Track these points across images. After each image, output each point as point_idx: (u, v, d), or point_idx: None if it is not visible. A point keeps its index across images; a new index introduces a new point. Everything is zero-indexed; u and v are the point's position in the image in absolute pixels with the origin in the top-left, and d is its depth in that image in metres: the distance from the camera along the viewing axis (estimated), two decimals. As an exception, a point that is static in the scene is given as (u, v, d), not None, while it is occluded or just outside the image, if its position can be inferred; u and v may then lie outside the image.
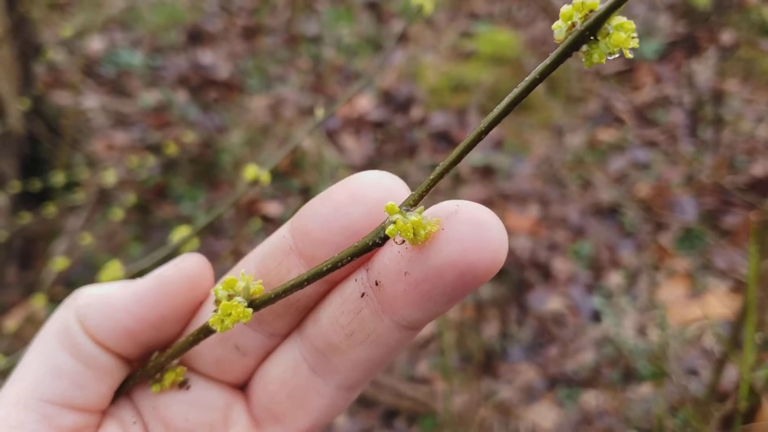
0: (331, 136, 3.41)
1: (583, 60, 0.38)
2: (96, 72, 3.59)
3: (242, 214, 2.92)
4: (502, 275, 2.74)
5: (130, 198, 1.71)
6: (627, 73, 3.46)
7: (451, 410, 2.31)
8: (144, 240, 2.79)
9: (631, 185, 2.97)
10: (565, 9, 0.37)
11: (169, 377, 0.52)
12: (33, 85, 2.45)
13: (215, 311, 0.46)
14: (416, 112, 3.50)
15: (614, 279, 2.67)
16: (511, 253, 2.80)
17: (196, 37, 3.95)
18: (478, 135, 0.40)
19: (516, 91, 0.38)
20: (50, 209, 1.35)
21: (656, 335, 2.45)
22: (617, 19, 0.36)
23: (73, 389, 0.49)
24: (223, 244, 2.83)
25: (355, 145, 3.37)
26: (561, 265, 2.75)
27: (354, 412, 2.45)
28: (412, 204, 0.43)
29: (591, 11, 0.36)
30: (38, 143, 2.61)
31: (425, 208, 0.44)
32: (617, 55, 0.37)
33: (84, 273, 2.54)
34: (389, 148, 3.37)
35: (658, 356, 2.36)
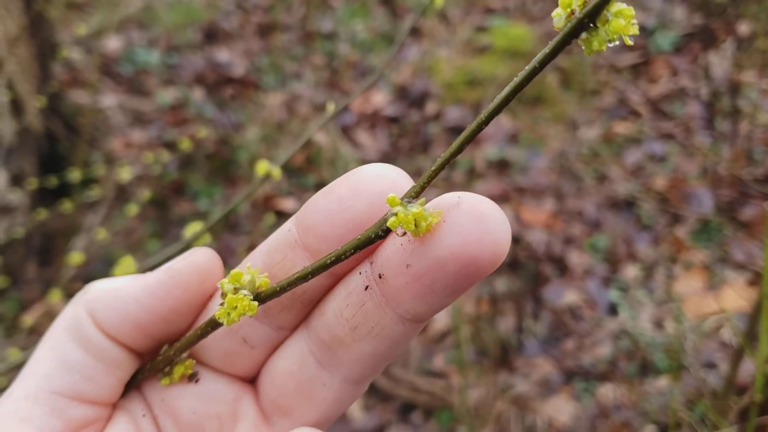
0: (347, 131, 3.41)
1: (583, 48, 0.37)
2: (114, 71, 3.62)
3: (259, 210, 2.93)
4: (517, 269, 2.73)
5: (145, 194, 1.73)
6: (643, 65, 3.43)
7: (467, 404, 2.32)
8: (162, 236, 2.81)
9: (648, 178, 2.95)
10: None
11: (178, 370, 0.53)
12: (51, 84, 2.48)
13: (222, 304, 0.46)
14: (431, 107, 3.49)
15: (631, 272, 2.66)
16: (527, 246, 2.80)
17: (212, 36, 3.97)
18: (479, 125, 0.40)
19: (516, 80, 0.38)
20: (67, 205, 1.36)
21: (673, 328, 2.44)
22: (617, 6, 0.35)
23: (84, 382, 0.50)
24: (240, 240, 2.85)
25: (370, 141, 3.37)
26: (577, 259, 2.74)
27: (371, 406, 2.46)
28: (413, 196, 0.43)
29: None
30: (57, 141, 2.64)
31: (427, 201, 0.44)
32: (617, 42, 0.36)
33: (102, 269, 2.57)
34: (404, 143, 3.37)
35: (676, 349, 2.35)
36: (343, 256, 0.45)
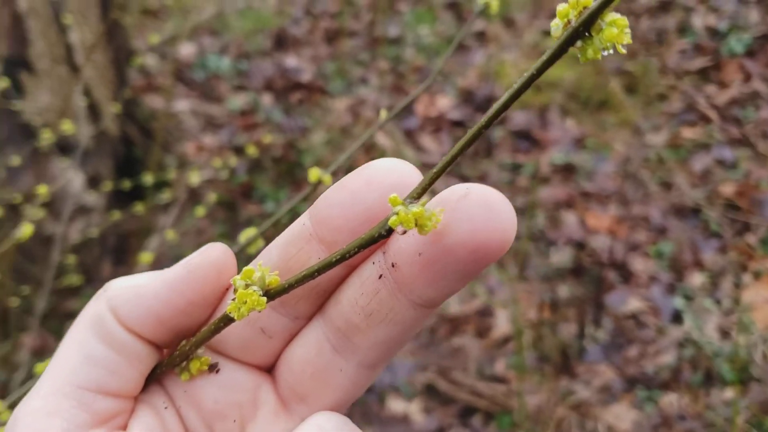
0: (410, 135, 3.45)
1: (579, 56, 0.39)
2: (187, 76, 3.75)
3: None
4: (580, 274, 2.71)
5: (211, 197, 1.81)
6: (713, 69, 3.35)
7: (526, 409, 2.32)
8: (230, 237, 2.90)
9: (716, 184, 2.88)
10: (561, 7, 0.38)
11: (194, 365, 0.54)
12: (127, 89, 2.59)
13: (233, 300, 0.48)
14: (496, 111, 3.48)
15: (697, 280, 2.60)
16: (591, 252, 2.77)
17: (282, 42, 4.07)
18: (479, 129, 0.43)
19: (515, 86, 0.41)
20: (139, 208, 1.44)
21: (741, 338, 2.38)
22: (611, 16, 0.37)
23: (108, 376, 0.51)
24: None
25: (433, 145, 3.40)
26: (641, 265, 2.70)
27: (431, 408, 2.49)
28: (416, 197, 0.45)
29: (585, 8, 0.38)
30: (132, 145, 2.75)
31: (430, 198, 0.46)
32: (611, 51, 0.38)
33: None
34: (468, 147, 3.37)
35: (743, 360, 2.29)
36: (347, 255, 0.47)
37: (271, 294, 0.49)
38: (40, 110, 2.35)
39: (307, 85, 3.74)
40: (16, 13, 2.33)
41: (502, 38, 3.80)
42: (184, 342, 0.54)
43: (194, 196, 2.96)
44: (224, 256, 0.53)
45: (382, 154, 3.20)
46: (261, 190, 3.09)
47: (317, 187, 0.88)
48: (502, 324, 2.63)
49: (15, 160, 1.32)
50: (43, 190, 0.95)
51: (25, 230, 0.80)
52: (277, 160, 3.22)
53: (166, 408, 0.55)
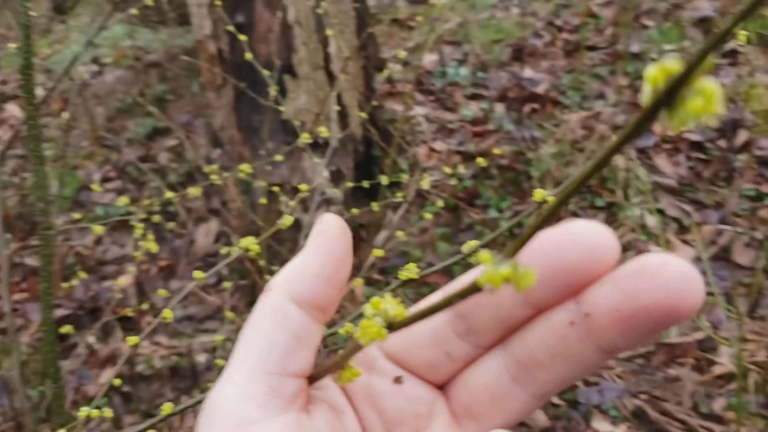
0: (644, 153, 3.35)
1: (668, 125, 0.35)
2: (426, 84, 3.94)
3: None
4: (821, 320, 2.49)
5: (439, 202, 1.93)
6: None
7: (741, 453, 2.19)
8: (450, 240, 3.02)
9: None
10: (649, 72, 0.34)
11: (346, 375, 0.59)
12: (374, 97, 2.79)
13: (359, 328, 0.51)
14: (741, 136, 3.29)
15: None
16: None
17: (520, 53, 4.13)
18: (561, 201, 0.40)
19: (594, 159, 0.38)
20: (373, 205, 1.57)
21: None
22: (701, 83, 0.33)
23: (288, 358, 0.56)
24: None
25: (669, 166, 3.27)
26: None
27: (638, 436, 2.43)
28: (508, 256, 0.45)
29: (670, 75, 0.34)
30: (371, 145, 2.96)
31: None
32: (703, 122, 0.33)
33: (398, 263, 2.84)
34: (706, 172, 3.22)
35: None
36: (451, 302, 0.49)
37: (393, 327, 0.52)
38: (298, 111, 2.62)
39: (541, 97, 3.77)
40: (285, 23, 2.62)
41: (757, 59, 3.56)
42: (339, 352, 0.59)
43: (420, 197, 3.12)
44: (338, 218, 0.59)
45: (613, 171, 3.16)
46: (485, 197, 3.17)
47: (541, 206, 0.91)
48: (724, 361, 2.50)
49: (278, 157, 1.51)
50: (304, 188, 1.10)
51: (286, 220, 0.94)
52: (504, 168, 3.29)
53: (343, 412, 0.61)
